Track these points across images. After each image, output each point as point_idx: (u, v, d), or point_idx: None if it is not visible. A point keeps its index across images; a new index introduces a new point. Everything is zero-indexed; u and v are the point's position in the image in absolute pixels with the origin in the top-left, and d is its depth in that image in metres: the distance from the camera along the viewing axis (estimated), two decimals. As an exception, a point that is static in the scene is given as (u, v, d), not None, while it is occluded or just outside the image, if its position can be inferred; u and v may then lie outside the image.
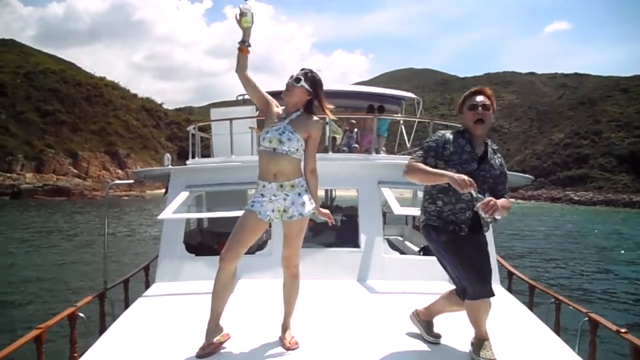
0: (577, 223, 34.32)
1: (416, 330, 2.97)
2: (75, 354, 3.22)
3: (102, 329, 3.67)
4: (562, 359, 2.71)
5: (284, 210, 2.73)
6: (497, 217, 2.48)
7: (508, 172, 5.39)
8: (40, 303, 9.24)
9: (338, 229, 5.84)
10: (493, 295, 2.58)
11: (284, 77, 2.87)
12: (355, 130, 6.22)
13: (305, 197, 2.76)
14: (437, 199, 2.65)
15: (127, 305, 4.11)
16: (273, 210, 2.73)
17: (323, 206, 3.14)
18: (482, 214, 2.45)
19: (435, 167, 2.58)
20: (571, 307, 3.65)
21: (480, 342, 2.61)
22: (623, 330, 2.93)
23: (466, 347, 2.71)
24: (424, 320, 2.91)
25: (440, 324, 2.92)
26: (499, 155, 2.76)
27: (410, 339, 2.89)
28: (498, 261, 4.54)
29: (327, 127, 5.25)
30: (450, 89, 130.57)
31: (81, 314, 3.39)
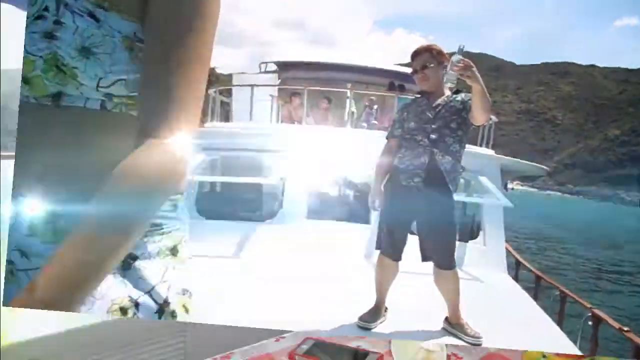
0: None
1: (424, 305, 2.88)
2: None
3: None
4: (560, 350, 2.59)
5: None
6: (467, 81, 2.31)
7: (521, 161, 5.20)
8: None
9: (350, 203, 5.82)
10: (393, 258, 2.68)
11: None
12: (375, 107, 6.18)
13: None
14: (401, 147, 2.69)
15: None
16: None
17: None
18: (450, 70, 2.30)
19: (401, 135, 2.71)
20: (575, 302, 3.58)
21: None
22: (625, 329, 2.86)
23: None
24: (455, 324, 2.69)
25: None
26: (461, 95, 2.63)
27: (417, 315, 2.83)
28: (506, 249, 4.47)
29: (348, 102, 5.22)
30: (504, 75, 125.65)
31: None
